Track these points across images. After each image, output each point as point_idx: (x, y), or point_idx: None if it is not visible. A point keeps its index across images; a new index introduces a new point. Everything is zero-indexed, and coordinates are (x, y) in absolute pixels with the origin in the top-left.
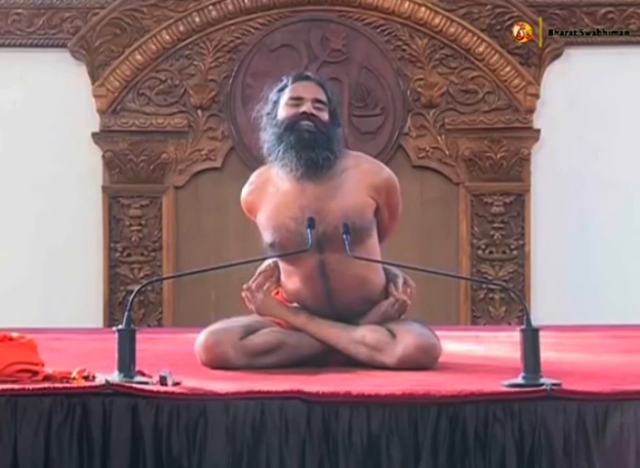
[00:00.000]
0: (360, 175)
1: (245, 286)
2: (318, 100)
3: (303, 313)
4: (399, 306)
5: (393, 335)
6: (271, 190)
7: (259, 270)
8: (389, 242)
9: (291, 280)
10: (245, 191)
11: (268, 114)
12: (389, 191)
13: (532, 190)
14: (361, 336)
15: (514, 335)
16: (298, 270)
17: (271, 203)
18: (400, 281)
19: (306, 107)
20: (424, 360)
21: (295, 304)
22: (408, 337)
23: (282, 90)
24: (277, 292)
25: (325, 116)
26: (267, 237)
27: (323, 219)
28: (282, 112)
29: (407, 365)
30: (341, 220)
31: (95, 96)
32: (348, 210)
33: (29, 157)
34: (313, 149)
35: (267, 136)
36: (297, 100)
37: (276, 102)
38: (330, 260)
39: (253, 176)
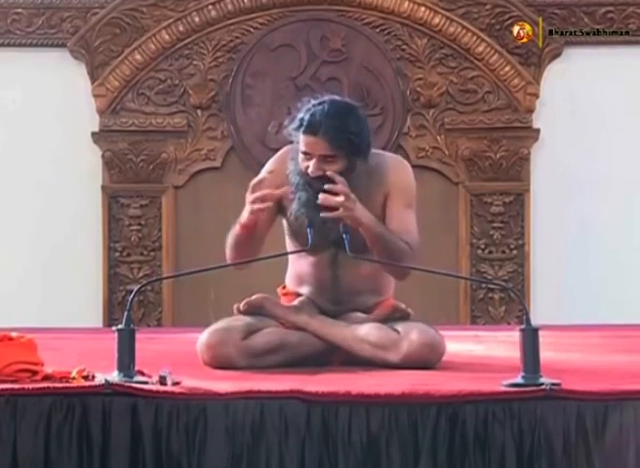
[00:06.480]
0: (379, 178)
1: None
2: (325, 156)
3: (305, 312)
4: (403, 311)
5: (397, 332)
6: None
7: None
8: None
9: (299, 262)
10: (266, 169)
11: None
12: (401, 181)
13: (531, 190)
14: (365, 334)
15: (514, 335)
16: (310, 255)
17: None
18: None
19: (311, 168)
20: (429, 357)
21: (297, 292)
22: (412, 334)
23: (298, 130)
24: (284, 288)
25: (335, 166)
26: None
27: None
28: (299, 158)
29: (412, 362)
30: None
31: (94, 95)
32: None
33: (29, 157)
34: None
35: (293, 174)
36: (307, 155)
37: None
38: (344, 255)
39: (278, 155)
